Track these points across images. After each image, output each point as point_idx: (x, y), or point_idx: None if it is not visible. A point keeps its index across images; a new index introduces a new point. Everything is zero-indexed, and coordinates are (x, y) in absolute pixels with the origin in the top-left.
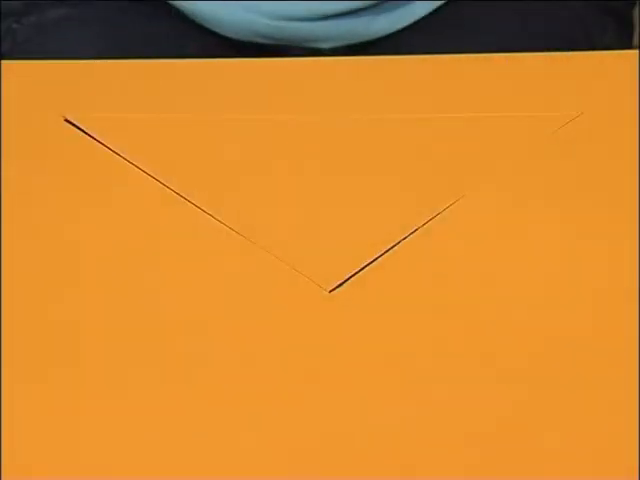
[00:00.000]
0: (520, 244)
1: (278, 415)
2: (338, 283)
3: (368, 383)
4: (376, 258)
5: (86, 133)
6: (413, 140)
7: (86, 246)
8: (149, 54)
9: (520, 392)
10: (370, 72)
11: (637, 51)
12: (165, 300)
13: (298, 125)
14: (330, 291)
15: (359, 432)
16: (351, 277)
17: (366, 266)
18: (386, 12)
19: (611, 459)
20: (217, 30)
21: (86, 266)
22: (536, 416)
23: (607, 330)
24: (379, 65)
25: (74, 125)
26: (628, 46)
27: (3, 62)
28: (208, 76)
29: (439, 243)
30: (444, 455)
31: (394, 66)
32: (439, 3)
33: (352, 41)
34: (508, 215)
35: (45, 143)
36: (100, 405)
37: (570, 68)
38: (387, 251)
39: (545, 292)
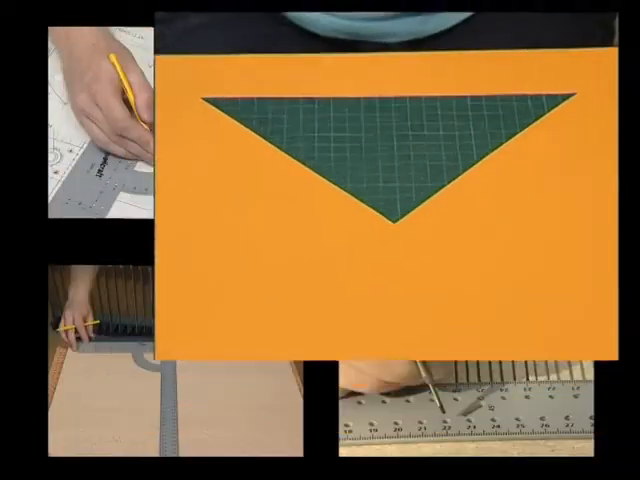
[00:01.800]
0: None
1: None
2: (402, 214)
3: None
4: (436, 191)
5: (220, 109)
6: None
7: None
8: (261, 50)
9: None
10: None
11: (616, 48)
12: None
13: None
14: (395, 221)
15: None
16: (414, 208)
17: (427, 198)
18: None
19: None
20: (311, 29)
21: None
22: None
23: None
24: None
25: (211, 103)
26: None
27: (157, 57)
28: (300, 69)
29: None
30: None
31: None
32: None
33: (412, 37)
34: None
35: (188, 118)
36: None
37: (565, 61)
38: (447, 184)
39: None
